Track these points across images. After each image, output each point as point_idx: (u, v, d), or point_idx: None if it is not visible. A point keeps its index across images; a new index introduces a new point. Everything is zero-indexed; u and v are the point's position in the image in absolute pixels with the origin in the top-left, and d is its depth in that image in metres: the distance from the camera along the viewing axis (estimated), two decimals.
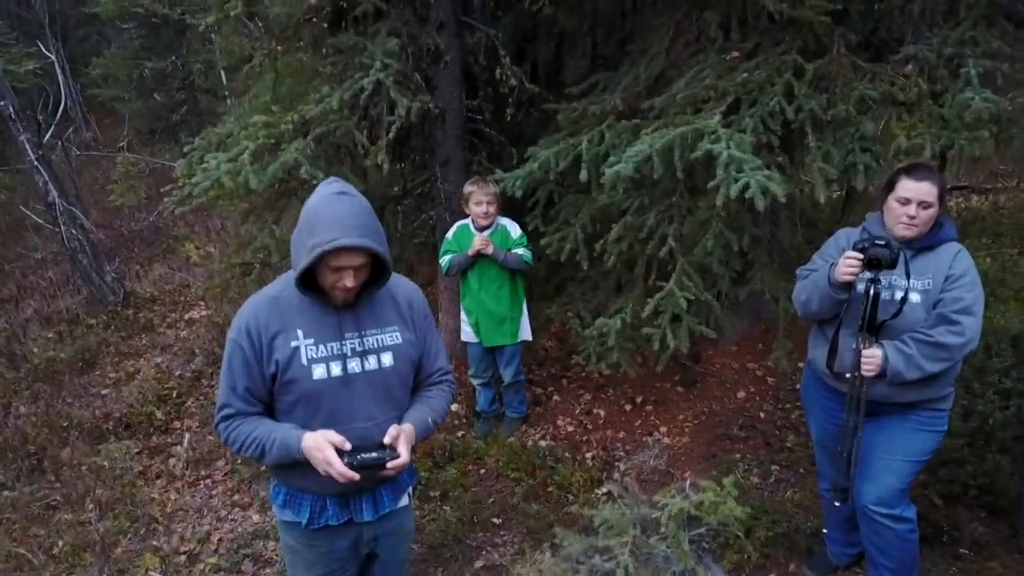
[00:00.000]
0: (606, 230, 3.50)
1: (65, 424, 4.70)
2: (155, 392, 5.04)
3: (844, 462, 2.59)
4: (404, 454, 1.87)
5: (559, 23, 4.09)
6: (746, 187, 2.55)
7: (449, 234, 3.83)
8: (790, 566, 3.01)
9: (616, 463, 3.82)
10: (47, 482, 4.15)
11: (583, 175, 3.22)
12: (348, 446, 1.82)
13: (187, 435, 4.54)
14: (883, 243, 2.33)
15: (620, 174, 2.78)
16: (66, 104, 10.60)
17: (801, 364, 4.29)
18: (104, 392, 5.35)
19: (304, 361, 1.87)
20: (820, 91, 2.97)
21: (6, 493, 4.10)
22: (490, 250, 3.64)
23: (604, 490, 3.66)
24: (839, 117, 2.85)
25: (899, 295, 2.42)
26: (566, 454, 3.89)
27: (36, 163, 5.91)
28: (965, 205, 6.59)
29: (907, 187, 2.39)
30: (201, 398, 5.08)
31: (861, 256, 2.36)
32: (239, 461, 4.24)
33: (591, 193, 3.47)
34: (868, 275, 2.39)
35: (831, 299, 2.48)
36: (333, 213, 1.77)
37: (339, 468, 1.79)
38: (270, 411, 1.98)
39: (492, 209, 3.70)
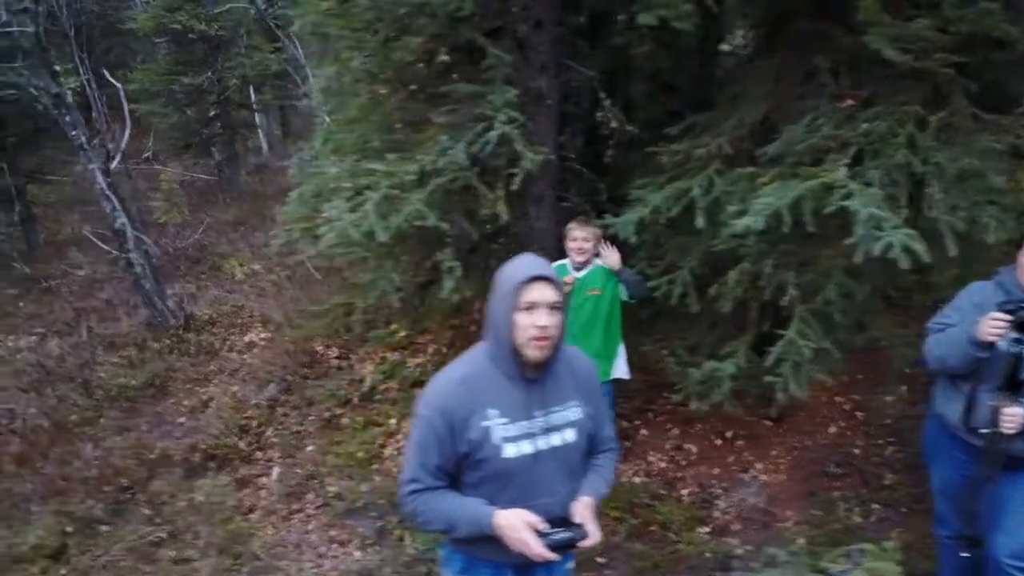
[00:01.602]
0: (713, 273, 3.55)
1: (152, 456, 4.75)
2: (235, 422, 5.09)
3: (973, 514, 2.63)
4: (595, 532, 1.92)
5: (653, 62, 4.13)
6: (888, 246, 2.58)
7: None
8: None
9: (715, 501, 3.85)
10: (144, 517, 4.20)
11: (699, 222, 3.26)
12: (542, 527, 1.87)
13: (276, 468, 4.59)
14: None
15: (751, 228, 2.82)
16: (95, 116, 10.69)
17: (889, 398, 4.36)
18: (180, 420, 5.40)
19: (496, 440, 1.91)
20: (942, 143, 3.00)
21: (104, 528, 4.15)
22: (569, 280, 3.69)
23: (707, 529, 3.71)
24: (966, 170, 2.88)
25: None
26: (661, 491, 3.93)
27: (106, 191, 5.97)
28: None
29: None
30: (279, 427, 5.13)
31: (1010, 319, 2.40)
32: (331, 495, 4.30)
33: (697, 236, 3.50)
34: (1013, 335, 2.43)
35: (970, 356, 2.51)
36: (522, 259, 1.97)
37: (538, 550, 1.83)
38: (453, 483, 2.03)
39: (587, 247, 3.73)
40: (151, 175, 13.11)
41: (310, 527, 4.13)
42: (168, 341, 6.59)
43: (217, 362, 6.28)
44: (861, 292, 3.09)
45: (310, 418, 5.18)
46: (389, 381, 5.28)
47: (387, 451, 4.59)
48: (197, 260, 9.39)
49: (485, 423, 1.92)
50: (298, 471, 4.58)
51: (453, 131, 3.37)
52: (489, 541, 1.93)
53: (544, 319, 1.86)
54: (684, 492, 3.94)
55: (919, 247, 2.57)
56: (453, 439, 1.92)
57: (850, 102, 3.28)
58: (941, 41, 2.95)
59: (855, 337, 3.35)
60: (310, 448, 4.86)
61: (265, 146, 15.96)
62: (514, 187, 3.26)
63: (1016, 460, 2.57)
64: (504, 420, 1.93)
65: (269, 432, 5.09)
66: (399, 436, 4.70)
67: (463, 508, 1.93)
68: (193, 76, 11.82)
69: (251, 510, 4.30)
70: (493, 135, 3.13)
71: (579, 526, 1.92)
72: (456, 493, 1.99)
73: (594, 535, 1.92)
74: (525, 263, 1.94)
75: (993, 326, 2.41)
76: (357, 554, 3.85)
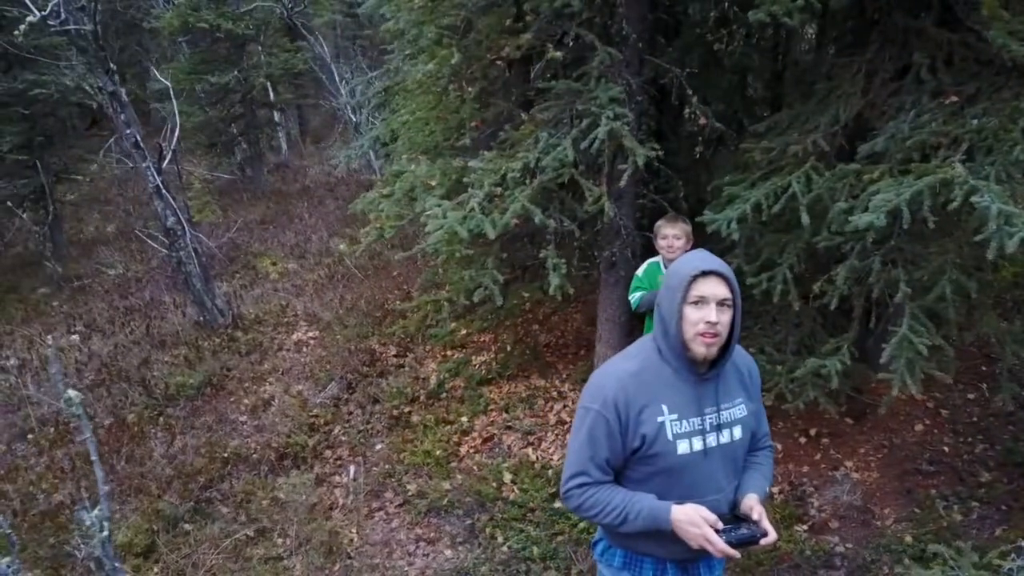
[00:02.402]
0: (808, 270, 3.54)
1: (226, 455, 4.74)
2: (303, 420, 5.07)
3: None
4: (772, 532, 1.91)
5: (741, 59, 4.11)
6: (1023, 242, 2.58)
7: (639, 271, 3.85)
8: None
9: (808, 499, 3.85)
10: (228, 515, 4.19)
11: (804, 219, 3.24)
12: (720, 525, 1.86)
13: (352, 467, 4.58)
14: None
15: (874, 224, 2.81)
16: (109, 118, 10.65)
17: (971, 396, 4.35)
18: (243, 419, 5.38)
19: (670, 436, 1.90)
20: None
21: (188, 527, 4.14)
22: None
23: (805, 527, 3.70)
24: None
25: None
26: None
27: (161, 188, 5.95)
28: None
29: None
30: (347, 425, 5.12)
31: None
32: (411, 493, 4.29)
33: (796, 232, 3.49)
34: None
35: None
36: (694, 254, 1.96)
37: (721, 546, 1.82)
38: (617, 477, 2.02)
39: (678, 244, 3.70)
40: (172, 174, 13.08)
41: (393, 525, 4.12)
42: (219, 340, 6.57)
43: (270, 361, 6.26)
44: (973, 289, 3.08)
45: (376, 416, 5.17)
46: (455, 379, 5.27)
47: (463, 449, 4.58)
48: (232, 259, 9.38)
49: (660, 418, 1.90)
50: (374, 469, 4.57)
51: (551, 128, 3.35)
52: (652, 536, 1.93)
53: (714, 315, 1.84)
54: (775, 490, 3.93)
55: None
56: (624, 433, 1.90)
57: (954, 98, 3.26)
58: None
59: (964, 334, 3.35)
60: (380, 446, 4.85)
61: (284, 145, 15.94)
62: (622, 183, 3.24)
63: None
64: (675, 416, 1.92)
65: (337, 430, 5.08)
66: (473, 434, 4.69)
67: (638, 503, 1.90)
68: (219, 75, 11.78)
69: (331, 508, 4.28)
70: (601, 131, 3.11)
71: (756, 523, 1.91)
72: (621, 487, 1.98)
73: (772, 533, 1.91)
74: (697, 257, 1.92)
75: None
76: (448, 552, 3.84)
